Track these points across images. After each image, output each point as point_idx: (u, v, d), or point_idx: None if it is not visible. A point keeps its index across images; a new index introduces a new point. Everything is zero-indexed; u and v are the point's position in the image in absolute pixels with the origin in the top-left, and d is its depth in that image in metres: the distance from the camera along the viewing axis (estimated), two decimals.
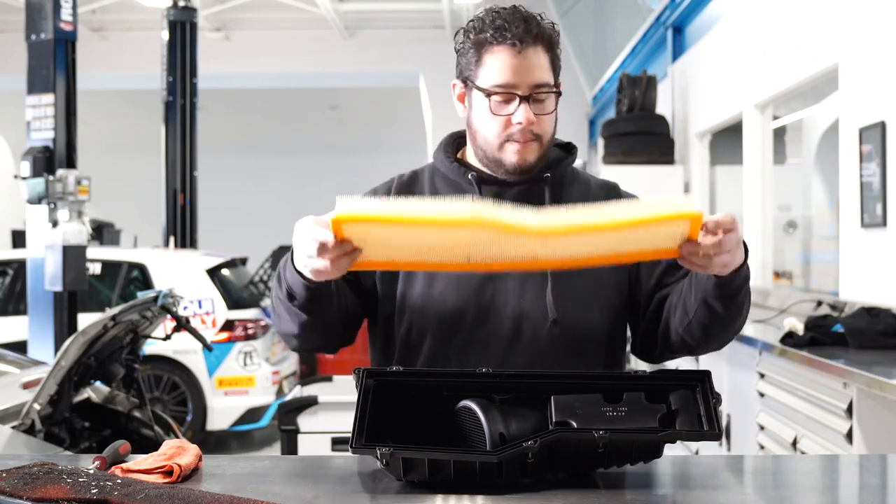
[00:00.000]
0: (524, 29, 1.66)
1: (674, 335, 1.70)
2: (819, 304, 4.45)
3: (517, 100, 1.66)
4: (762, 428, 3.91)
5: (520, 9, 1.71)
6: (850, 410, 3.07)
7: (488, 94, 1.67)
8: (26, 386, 3.54)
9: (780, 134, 7.36)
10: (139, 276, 7.19)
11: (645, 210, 1.43)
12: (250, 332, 6.96)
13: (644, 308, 1.77)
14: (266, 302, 7.62)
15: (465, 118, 1.76)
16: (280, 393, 7.02)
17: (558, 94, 1.71)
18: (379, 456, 1.40)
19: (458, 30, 1.76)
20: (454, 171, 1.77)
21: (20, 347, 5.85)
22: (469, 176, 1.74)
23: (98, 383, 3.96)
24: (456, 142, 1.85)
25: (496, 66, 1.67)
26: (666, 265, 1.75)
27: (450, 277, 1.70)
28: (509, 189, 1.73)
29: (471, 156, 1.80)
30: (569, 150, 1.84)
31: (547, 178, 1.75)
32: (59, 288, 5.86)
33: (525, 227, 1.42)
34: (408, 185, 1.81)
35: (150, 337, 4.19)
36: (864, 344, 3.48)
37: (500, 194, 1.71)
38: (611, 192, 1.83)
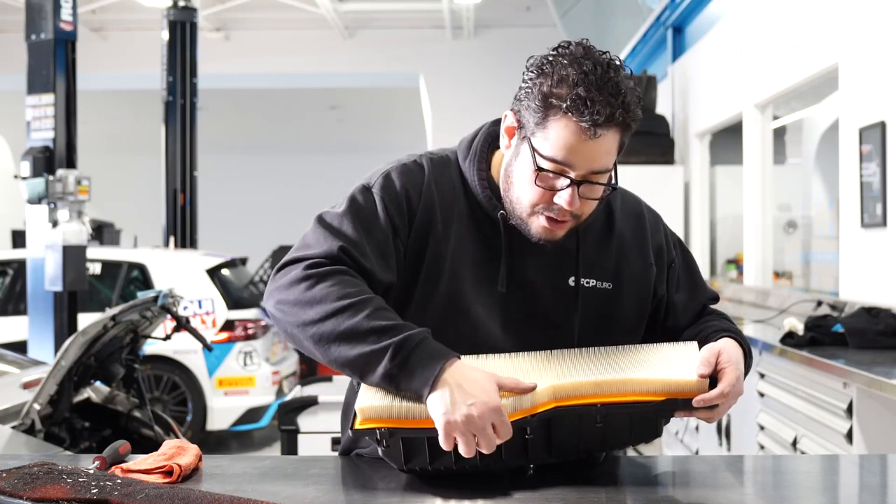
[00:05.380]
0: (609, 113, 1.42)
1: None
2: (819, 304, 4.45)
3: (567, 180, 1.48)
4: (762, 428, 3.91)
5: (613, 78, 1.45)
6: (850, 410, 3.07)
7: (538, 169, 1.48)
8: (26, 386, 3.54)
9: (780, 134, 7.36)
10: (139, 276, 7.19)
11: (651, 386, 1.44)
12: (250, 332, 6.95)
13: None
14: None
15: (506, 155, 1.58)
16: (280, 393, 7.02)
17: (613, 187, 1.52)
18: (378, 437, 1.40)
19: (537, 57, 1.51)
20: (486, 199, 1.60)
21: (20, 347, 5.85)
22: (499, 214, 1.58)
23: (98, 383, 3.96)
24: (490, 147, 1.65)
25: (559, 140, 1.45)
26: (700, 308, 1.73)
27: (468, 324, 1.56)
28: (538, 242, 1.57)
29: (497, 167, 1.64)
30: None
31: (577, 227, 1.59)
32: (59, 288, 5.86)
33: (542, 403, 1.42)
34: (439, 183, 1.62)
35: (150, 337, 4.19)
36: (864, 344, 3.48)
37: (526, 241, 1.58)
38: (638, 224, 1.70)
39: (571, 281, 1.62)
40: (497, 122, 1.64)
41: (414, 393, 1.39)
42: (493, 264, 1.60)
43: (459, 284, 1.57)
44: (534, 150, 1.48)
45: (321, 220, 1.57)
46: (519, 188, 1.53)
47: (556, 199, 1.49)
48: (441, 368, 1.38)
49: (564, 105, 1.44)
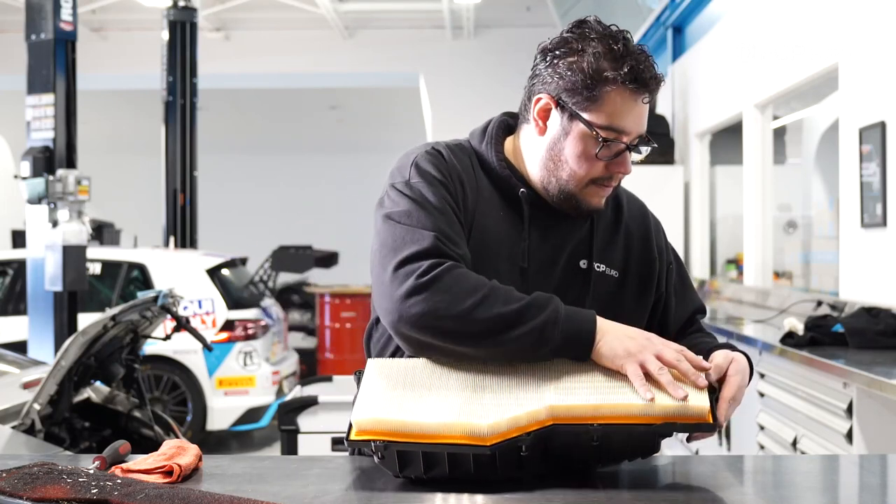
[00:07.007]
0: (655, 76, 1.56)
1: None
2: (819, 304, 4.45)
3: (623, 147, 1.57)
4: (762, 428, 3.91)
5: (636, 45, 1.57)
6: (850, 410, 3.07)
7: (604, 140, 1.55)
8: (26, 386, 3.54)
9: (780, 134, 7.37)
10: (139, 276, 7.19)
11: (652, 410, 1.41)
12: (250, 332, 6.96)
13: None
14: (266, 302, 7.61)
15: (544, 138, 1.61)
16: (280, 393, 7.02)
17: (655, 145, 1.62)
18: (374, 449, 1.40)
19: (553, 40, 1.59)
20: (506, 178, 1.64)
21: (20, 347, 5.85)
22: (520, 193, 1.63)
23: (98, 383, 3.96)
24: (504, 133, 1.70)
25: (617, 109, 1.54)
26: (689, 316, 1.76)
27: None
28: (554, 222, 1.64)
29: (511, 152, 1.67)
30: None
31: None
32: (59, 288, 5.86)
33: (538, 422, 1.41)
34: (460, 164, 1.64)
35: (150, 337, 4.20)
36: (864, 344, 3.48)
37: (543, 220, 1.63)
38: (644, 221, 1.76)
39: (583, 264, 1.66)
40: (507, 113, 1.71)
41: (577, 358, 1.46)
42: (515, 242, 1.63)
43: (483, 262, 1.57)
44: (591, 124, 1.55)
45: (392, 218, 1.55)
46: (573, 164, 1.58)
47: (615, 168, 1.58)
48: (594, 326, 1.46)
49: (620, 75, 1.52)
